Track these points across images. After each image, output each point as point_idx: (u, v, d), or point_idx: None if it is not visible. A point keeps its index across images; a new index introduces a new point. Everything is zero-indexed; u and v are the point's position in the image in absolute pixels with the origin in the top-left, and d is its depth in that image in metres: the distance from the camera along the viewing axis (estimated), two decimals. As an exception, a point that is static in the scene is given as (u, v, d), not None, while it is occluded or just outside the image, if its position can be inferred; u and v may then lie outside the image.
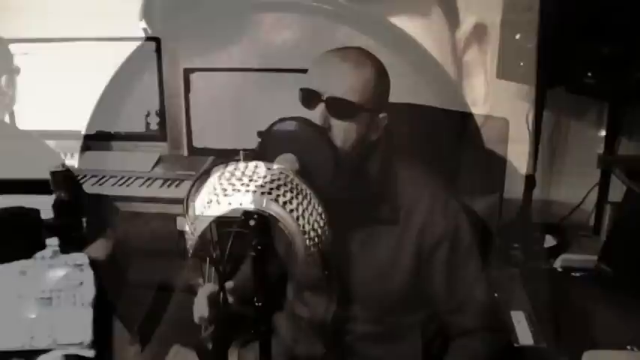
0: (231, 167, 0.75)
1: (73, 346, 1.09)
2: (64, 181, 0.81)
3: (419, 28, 1.15)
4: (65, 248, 0.77)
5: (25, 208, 0.76)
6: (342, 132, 1.37)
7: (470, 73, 1.11)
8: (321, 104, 1.36)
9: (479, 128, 1.46)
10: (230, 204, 0.70)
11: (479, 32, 1.06)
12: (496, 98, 2.61)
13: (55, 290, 1.07)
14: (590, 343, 1.71)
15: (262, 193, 0.69)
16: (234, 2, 1.73)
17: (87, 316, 1.11)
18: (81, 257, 1.07)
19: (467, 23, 1.04)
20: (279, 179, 0.69)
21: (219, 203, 0.68)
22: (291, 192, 0.68)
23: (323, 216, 0.73)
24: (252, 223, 0.85)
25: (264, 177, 0.71)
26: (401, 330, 1.55)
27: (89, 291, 1.11)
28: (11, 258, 0.71)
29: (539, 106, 2.62)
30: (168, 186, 2.40)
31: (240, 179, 0.68)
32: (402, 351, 1.55)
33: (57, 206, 0.81)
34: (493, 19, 1.37)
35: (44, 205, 0.93)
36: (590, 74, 2.37)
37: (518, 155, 2.47)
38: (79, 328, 1.09)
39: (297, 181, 0.72)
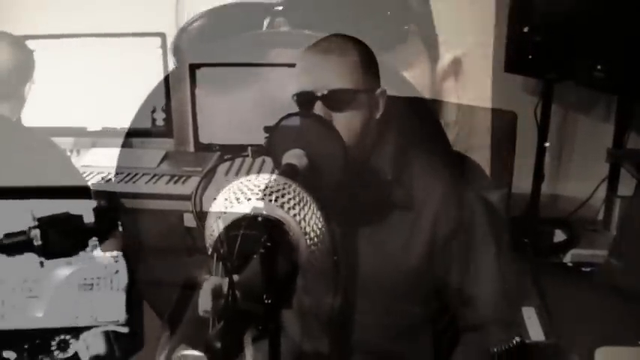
0: (242, 178, 0.88)
1: (110, 323, 1.32)
2: (104, 192, 1.01)
3: (406, 64, 1.21)
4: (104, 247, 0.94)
5: (71, 214, 0.94)
6: (346, 121, 1.35)
7: (444, 97, 1.21)
8: (318, 102, 1.35)
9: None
10: (241, 210, 0.81)
11: (455, 65, 1.19)
12: (502, 92, 2.61)
13: (95, 278, 1.26)
14: (602, 339, 1.70)
15: (270, 201, 0.81)
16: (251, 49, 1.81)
17: (121, 299, 1.32)
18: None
19: (445, 58, 1.17)
20: (283, 188, 0.82)
21: (231, 209, 0.81)
22: (294, 199, 0.82)
23: (321, 219, 0.87)
24: (259, 219, 0.93)
25: (271, 186, 0.83)
26: (411, 322, 1.53)
27: (123, 278, 1.29)
28: (60, 256, 0.89)
29: (548, 99, 2.61)
30: (175, 182, 2.39)
31: (251, 189, 0.81)
32: (412, 344, 1.54)
33: (97, 213, 0.99)
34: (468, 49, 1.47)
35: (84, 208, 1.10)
36: (599, 67, 2.35)
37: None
38: (116, 309, 1.31)
39: (299, 190, 0.85)
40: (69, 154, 2.55)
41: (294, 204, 0.82)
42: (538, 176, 2.62)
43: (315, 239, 0.87)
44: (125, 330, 1.35)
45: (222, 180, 2.14)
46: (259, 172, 2.19)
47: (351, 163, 1.29)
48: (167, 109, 2.57)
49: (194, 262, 2.00)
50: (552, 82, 2.58)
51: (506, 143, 1.83)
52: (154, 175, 2.44)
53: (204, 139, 2.53)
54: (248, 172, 2.19)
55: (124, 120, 2.61)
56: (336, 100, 1.35)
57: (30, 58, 2.21)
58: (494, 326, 1.48)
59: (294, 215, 0.82)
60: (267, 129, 1.31)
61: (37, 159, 2.01)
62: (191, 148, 2.60)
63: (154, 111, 2.57)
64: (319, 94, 1.35)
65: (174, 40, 1.85)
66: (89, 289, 1.30)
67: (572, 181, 2.82)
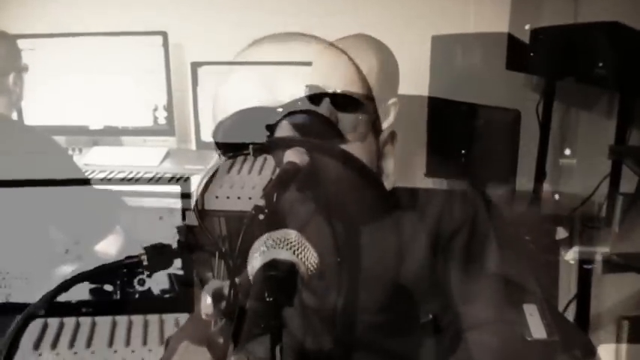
0: (270, 234, 1.06)
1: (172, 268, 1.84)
2: (186, 231, 1.37)
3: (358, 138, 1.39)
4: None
5: (163, 243, 1.28)
6: (351, 124, 1.35)
7: (385, 159, 1.43)
8: (326, 99, 1.34)
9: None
10: (265, 256, 1.01)
11: (392, 136, 1.42)
12: (503, 89, 2.61)
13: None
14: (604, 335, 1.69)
15: (283, 247, 1.02)
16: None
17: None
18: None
19: (385, 132, 1.40)
20: (295, 240, 1.03)
21: (260, 256, 1.01)
22: (301, 246, 1.04)
23: (317, 259, 1.06)
24: (261, 217, 1.06)
25: (287, 239, 1.03)
26: (413, 321, 1.53)
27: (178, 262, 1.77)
28: (157, 271, 1.26)
29: (549, 97, 2.61)
30: (177, 181, 2.39)
31: (275, 241, 1.03)
32: (413, 343, 1.54)
33: (178, 244, 1.36)
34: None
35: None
36: (600, 64, 2.35)
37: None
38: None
39: (302, 239, 1.05)
40: (70, 152, 2.56)
41: (301, 250, 1.04)
42: (540, 174, 2.63)
43: (313, 270, 1.06)
44: (181, 272, 1.94)
45: (224, 178, 2.14)
46: (261, 169, 2.19)
47: (353, 160, 1.29)
48: (169, 108, 2.57)
49: (197, 259, 2.02)
50: (554, 80, 2.58)
51: (509, 141, 1.83)
52: (156, 174, 2.45)
53: (206, 137, 2.53)
54: (250, 170, 2.19)
55: (125, 118, 2.61)
56: (343, 101, 1.34)
57: (10, 48, 2.19)
58: (496, 325, 1.48)
59: (300, 258, 1.03)
60: (268, 127, 1.31)
61: (37, 157, 2.02)
62: (193, 147, 2.61)
63: (155, 109, 2.58)
64: (329, 91, 1.35)
65: (213, 131, 2.24)
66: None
67: (573, 179, 2.82)
